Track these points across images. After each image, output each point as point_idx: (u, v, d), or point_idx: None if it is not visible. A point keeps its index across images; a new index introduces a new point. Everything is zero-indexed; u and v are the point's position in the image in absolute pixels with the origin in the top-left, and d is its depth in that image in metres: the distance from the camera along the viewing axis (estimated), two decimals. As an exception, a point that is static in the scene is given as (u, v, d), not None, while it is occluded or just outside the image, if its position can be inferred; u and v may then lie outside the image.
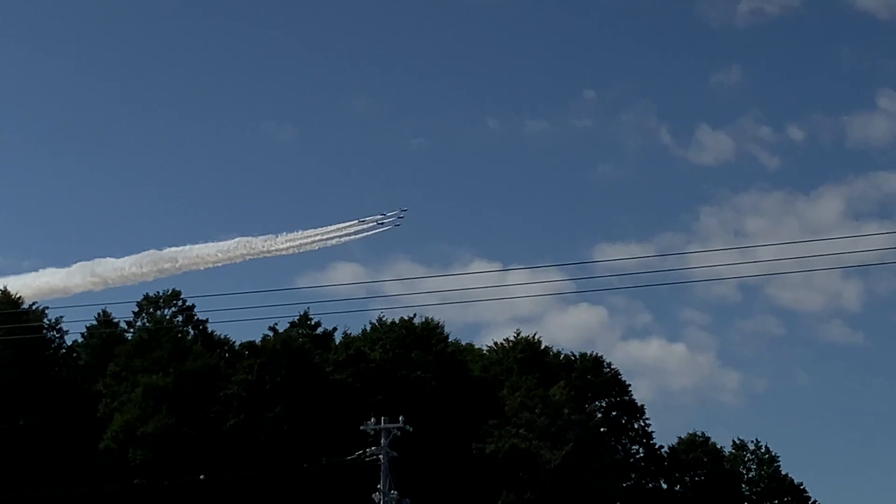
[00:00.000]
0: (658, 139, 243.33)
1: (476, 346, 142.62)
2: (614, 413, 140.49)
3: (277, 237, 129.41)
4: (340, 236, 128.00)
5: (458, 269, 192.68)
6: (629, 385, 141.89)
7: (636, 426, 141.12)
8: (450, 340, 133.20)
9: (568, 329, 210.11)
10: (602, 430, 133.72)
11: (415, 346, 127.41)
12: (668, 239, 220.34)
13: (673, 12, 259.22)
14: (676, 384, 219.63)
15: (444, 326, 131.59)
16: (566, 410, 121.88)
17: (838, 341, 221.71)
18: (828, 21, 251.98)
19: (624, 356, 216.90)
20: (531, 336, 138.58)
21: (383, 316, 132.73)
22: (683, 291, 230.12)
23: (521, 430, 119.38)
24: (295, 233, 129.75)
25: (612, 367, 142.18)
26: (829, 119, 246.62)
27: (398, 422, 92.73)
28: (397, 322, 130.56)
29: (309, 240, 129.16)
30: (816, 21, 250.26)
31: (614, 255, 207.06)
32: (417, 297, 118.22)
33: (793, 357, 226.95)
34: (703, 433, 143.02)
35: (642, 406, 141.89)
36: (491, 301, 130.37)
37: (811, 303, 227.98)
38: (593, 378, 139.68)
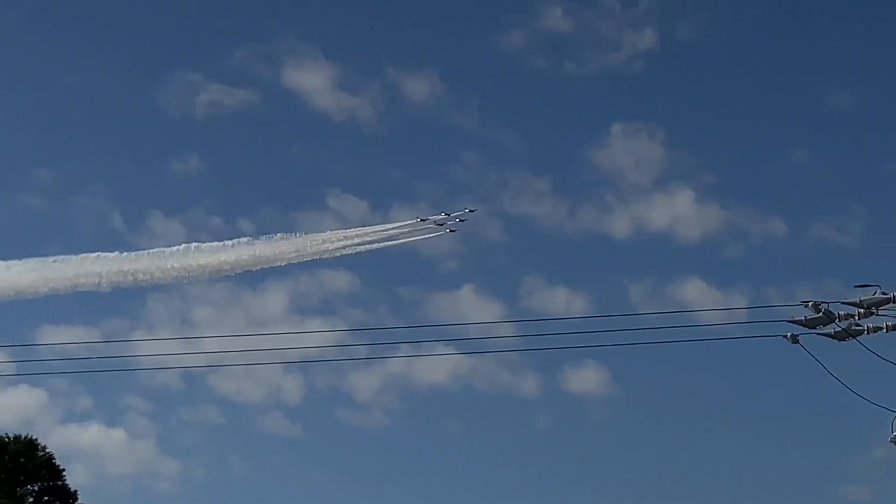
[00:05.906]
0: (110, 223, 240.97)
1: None
2: (46, 498, 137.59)
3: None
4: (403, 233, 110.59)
5: None
6: (63, 470, 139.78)
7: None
8: None
9: (5, 411, 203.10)
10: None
11: None
12: (114, 324, 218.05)
13: (131, 97, 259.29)
14: (114, 470, 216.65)
15: None
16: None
17: (277, 432, 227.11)
18: (283, 118, 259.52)
19: (62, 440, 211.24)
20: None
21: None
22: (126, 377, 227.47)
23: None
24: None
25: (47, 450, 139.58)
26: (278, 214, 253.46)
27: None
28: None
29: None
30: (272, 117, 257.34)
31: (58, 337, 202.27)
32: None
33: (231, 447, 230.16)
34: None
35: (76, 491, 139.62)
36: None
37: (252, 394, 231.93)
38: (26, 461, 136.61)
